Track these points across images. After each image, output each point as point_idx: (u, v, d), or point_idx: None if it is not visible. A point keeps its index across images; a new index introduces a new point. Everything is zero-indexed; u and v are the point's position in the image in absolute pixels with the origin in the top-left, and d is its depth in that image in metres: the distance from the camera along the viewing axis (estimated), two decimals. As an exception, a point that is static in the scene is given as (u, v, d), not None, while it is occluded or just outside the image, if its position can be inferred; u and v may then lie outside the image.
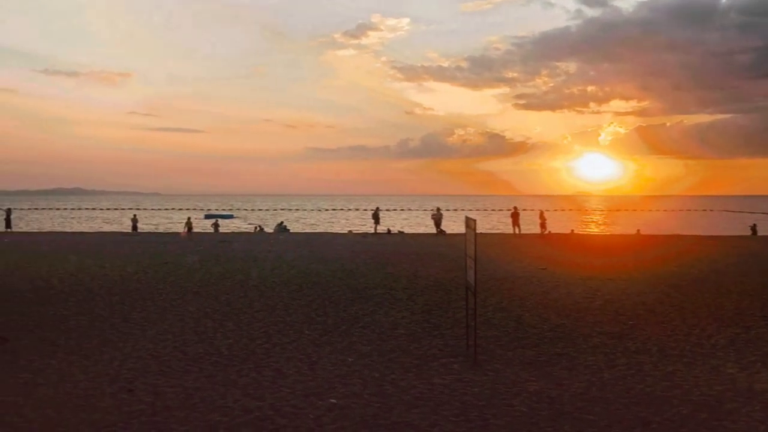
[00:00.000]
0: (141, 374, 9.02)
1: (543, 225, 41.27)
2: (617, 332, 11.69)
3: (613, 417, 7.36)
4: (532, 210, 59.26)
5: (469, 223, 10.02)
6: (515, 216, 41.51)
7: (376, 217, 44.89)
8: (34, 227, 62.50)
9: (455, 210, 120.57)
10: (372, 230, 44.12)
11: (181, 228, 47.09)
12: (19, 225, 54.66)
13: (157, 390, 8.29)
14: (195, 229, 50.41)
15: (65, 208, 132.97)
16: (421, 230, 57.83)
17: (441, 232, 42.58)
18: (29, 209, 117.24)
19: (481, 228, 52.41)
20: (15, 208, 60.07)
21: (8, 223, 47.90)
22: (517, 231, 40.70)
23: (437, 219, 43.83)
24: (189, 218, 49.52)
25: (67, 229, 59.97)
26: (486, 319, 12.75)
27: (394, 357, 9.98)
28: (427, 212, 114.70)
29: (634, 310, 13.84)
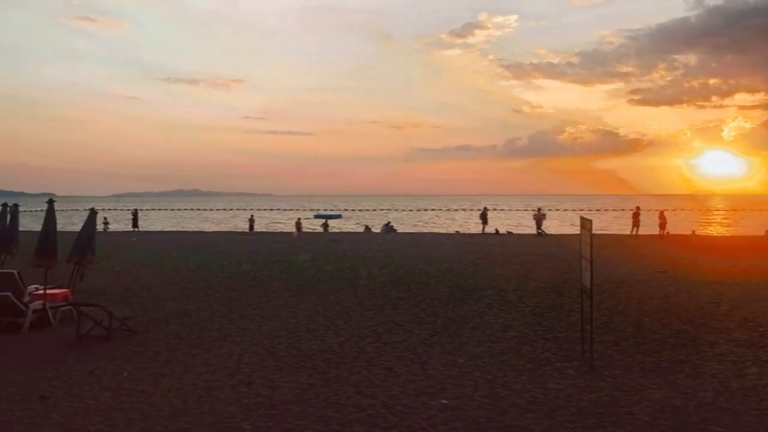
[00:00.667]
0: (258, 368, 9.34)
1: (663, 225, 39.38)
2: (746, 340, 10.94)
3: (743, 429, 6.88)
4: (649, 210, 56.45)
5: (585, 223, 9.69)
6: (636, 216, 39.89)
7: (483, 218, 44.43)
8: (157, 227, 66.34)
9: (566, 210, 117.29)
10: (480, 231, 43.68)
11: (291, 228, 48.57)
12: (144, 225, 58.19)
13: (274, 384, 8.55)
14: (305, 229, 51.86)
15: (185, 209, 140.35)
16: (530, 231, 56.67)
17: (541, 233, 41.64)
18: (153, 210, 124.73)
19: (596, 228, 50.19)
20: (140, 209, 64.10)
21: (135, 222, 51.24)
22: (635, 231, 39.09)
23: (539, 219, 42.86)
24: (299, 219, 50.99)
25: (188, 229, 63.26)
26: (602, 323, 12.28)
27: (506, 359, 9.81)
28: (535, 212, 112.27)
29: (765, 317, 12.90)
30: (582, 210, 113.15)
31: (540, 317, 13.16)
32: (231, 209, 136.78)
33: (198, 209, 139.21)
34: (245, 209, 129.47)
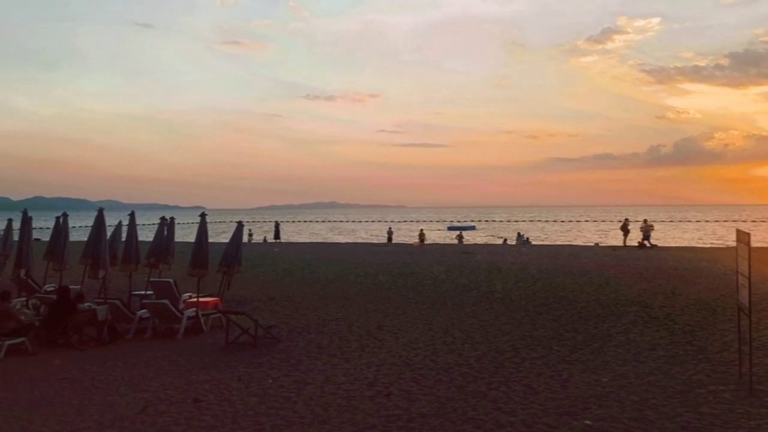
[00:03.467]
0: (396, 380, 9.45)
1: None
2: None
3: None
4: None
5: (741, 237, 9.00)
6: None
7: (625, 229, 42.45)
8: (298, 238, 69.18)
9: (717, 221, 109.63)
10: (621, 243, 41.75)
11: (413, 240, 49.00)
12: (286, 236, 60.84)
13: (411, 397, 8.61)
14: (439, 240, 51.98)
15: (323, 221, 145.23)
16: (678, 243, 53.47)
17: (644, 245, 39.19)
18: (294, 221, 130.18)
19: (756, 242, 46.49)
20: (282, 221, 67.11)
21: (277, 234, 53.72)
22: None
23: (646, 231, 40.32)
24: (422, 230, 51.28)
25: (326, 240, 65.41)
26: (762, 343, 11.31)
27: (654, 380, 9.27)
28: (681, 223, 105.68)
29: None
30: (740, 221, 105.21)
31: (690, 336, 12.34)
32: (366, 221, 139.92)
33: (335, 221, 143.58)
34: (380, 221, 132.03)
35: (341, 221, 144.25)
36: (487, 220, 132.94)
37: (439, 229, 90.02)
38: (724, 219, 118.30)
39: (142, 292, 15.40)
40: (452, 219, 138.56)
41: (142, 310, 13.88)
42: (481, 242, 54.05)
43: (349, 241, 63.05)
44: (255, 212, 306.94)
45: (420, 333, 12.94)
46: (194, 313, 13.54)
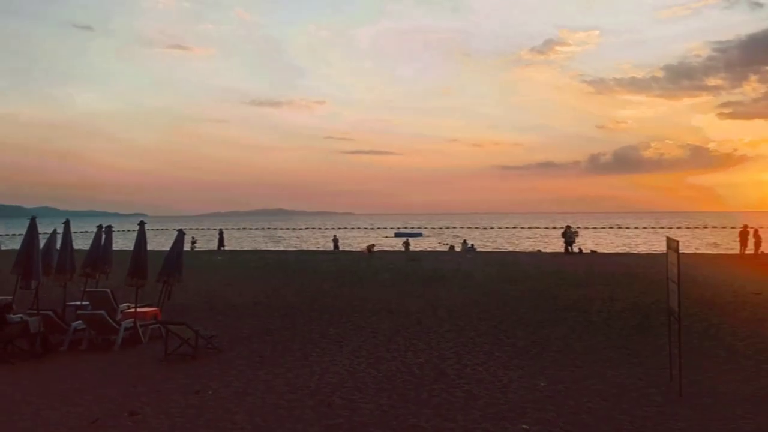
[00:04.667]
0: (338, 389, 9.44)
1: (757, 244, 37.34)
2: None
3: None
4: (733, 228, 53.49)
5: (671, 244, 9.34)
6: (744, 234, 37.98)
7: (566, 236, 43.43)
8: (242, 246, 68.31)
9: (653, 228, 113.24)
10: (562, 250, 42.69)
11: (364, 247, 49.08)
12: (230, 244, 60.05)
13: (354, 405, 8.61)
14: (386, 248, 52.15)
15: (269, 228, 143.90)
16: (616, 250, 54.99)
17: (569, 251, 40.47)
18: (239, 229, 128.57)
19: (687, 247, 48.35)
20: (226, 229, 66.20)
21: (221, 242, 52.92)
22: (744, 251, 37.20)
23: (569, 237, 41.61)
24: (372, 245, 51.38)
25: (271, 248, 64.79)
26: (692, 347, 11.75)
27: (590, 384, 9.52)
28: (620, 230, 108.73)
29: None
30: (670, 228, 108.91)
31: (625, 340, 12.72)
32: (313, 228, 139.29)
33: (281, 228, 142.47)
34: (327, 228, 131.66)
35: (287, 228, 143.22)
36: (434, 227, 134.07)
37: (386, 236, 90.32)
38: (660, 226, 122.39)
39: (78, 303, 14.95)
40: (400, 226, 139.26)
41: (77, 322, 13.47)
42: (427, 249, 54.44)
43: (295, 248, 62.64)
44: (199, 219, 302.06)
45: (364, 341, 12.95)
46: (132, 324, 13.23)
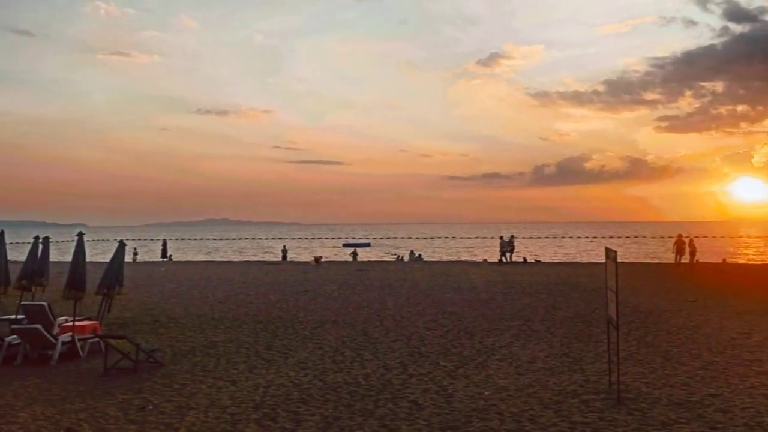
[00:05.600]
0: (283, 401, 9.35)
1: (693, 253, 38.70)
2: (781, 372, 10.67)
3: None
4: (670, 238, 55.11)
5: (609, 254, 9.61)
6: (679, 244, 39.24)
7: (511, 246, 44.14)
8: (187, 257, 67.08)
9: (595, 238, 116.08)
10: (507, 259, 43.37)
11: (311, 258, 48.86)
12: (174, 255, 58.88)
13: (299, 417, 8.55)
14: (334, 258, 52.00)
15: (214, 239, 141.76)
16: (558, 259, 56.16)
17: (503, 261, 41.50)
18: (183, 239, 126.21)
19: (625, 256, 50.06)
20: (170, 239, 64.90)
21: (164, 253, 51.87)
22: (679, 260, 38.45)
23: (504, 247, 42.66)
24: (320, 256, 51.23)
25: (216, 259, 63.88)
26: (630, 354, 12.11)
27: (533, 392, 9.69)
28: (566, 240, 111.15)
29: (801, 348, 12.59)
30: (611, 238, 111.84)
31: (567, 348, 13.00)
32: (260, 238, 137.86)
33: (227, 238, 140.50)
34: (275, 238, 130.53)
35: (233, 238, 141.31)
36: (382, 237, 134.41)
37: (334, 246, 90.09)
38: (602, 235, 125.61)
39: (12, 317, 14.43)
40: (348, 236, 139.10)
41: (12, 336, 12.98)
42: (375, 259, 54.51)
43: (242, 259, 61.89)
44: (141, 230, 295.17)
45: (310, 352, 12.88)
46: (70, 338, 12.83)
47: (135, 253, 51.85)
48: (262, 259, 58.56)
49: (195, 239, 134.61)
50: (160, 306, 20.33)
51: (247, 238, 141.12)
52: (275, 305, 20.26)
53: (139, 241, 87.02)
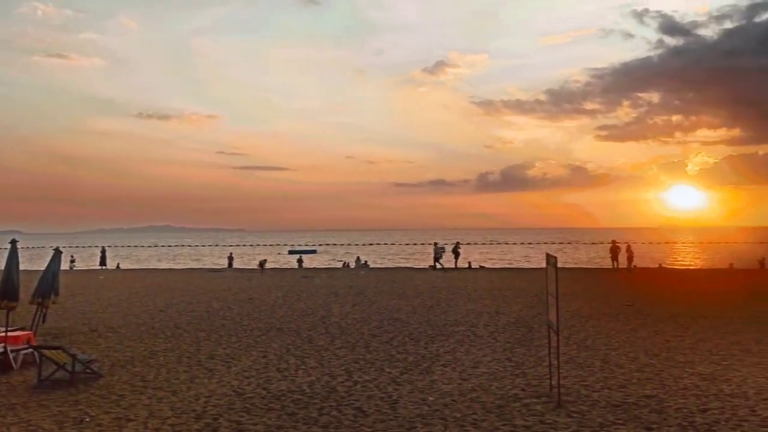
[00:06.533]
0: (225, 411, 9.20)
1: (630, 258, 39.92)
2: (710, 373, 11.08)
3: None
4: (603, 243, 56.86)
5: (550, 259, 9.82)
6: (614, 250, 40.38)
7: (455, 252, 44.67)
8: (127, 264, 65.44)
9: (537, 243, 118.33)
10: (453, 265, 43.84)
11: (255, 265, 48.40)
12: (113, 262, 57.33)
13: (241, 427, 8.43)
14: (279, 265, 51.55)
15: (156, 246, 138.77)
16: (502, 265, 57.03)
17: (436, 266, 42.31)
18: (123, 246, 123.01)
19: (566, 262, 51.26)
20: (110, 246, 63.20)
21: (103, 260, 50.48)
22: (616, 265, 39.57)
23: (437, 253, 43.57)
24: (265, 260, 50.88)
25: (158, 266, 62.51)
26: (570, 357, 12.38)
27: (476, 397, 9.80)
28: (509, 246, 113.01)
29: (729, 350, 13.11)
30: (553, 243, 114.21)
31: (510, 353, 13.21)
32: (204, 245, 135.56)
33: (169, 245, 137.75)
34: (218, 245, 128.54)
35: (176, 245, 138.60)
36: (328, 244, 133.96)
37: (279, 253, 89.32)
38: (543, 241, 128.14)
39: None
40: (294, 243, 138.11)
41: (-61, 348, 12.41)
42: (321, 266, 54.30)
43: (184, 267, 60.74)
44: (79, 236, 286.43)
45: (254, 361, 12.72)
46: (2, 349, 12.33)
47: (72, 261, 50.34)
48: (205, 267, 57.62)
49: (136, 246, 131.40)
50: (98, 315, 19.77)
51: (190, 245, 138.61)
52: (218, 313, 19.95)
53: (77, 249, 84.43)
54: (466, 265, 45.46)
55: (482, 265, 50.52)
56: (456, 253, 44.62)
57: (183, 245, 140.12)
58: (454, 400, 9.60)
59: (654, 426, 8.18)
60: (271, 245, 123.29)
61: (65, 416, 9.04)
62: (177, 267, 59.56)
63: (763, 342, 13.94)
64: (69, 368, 11.10)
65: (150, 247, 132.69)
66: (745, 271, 38.83)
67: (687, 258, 76.14)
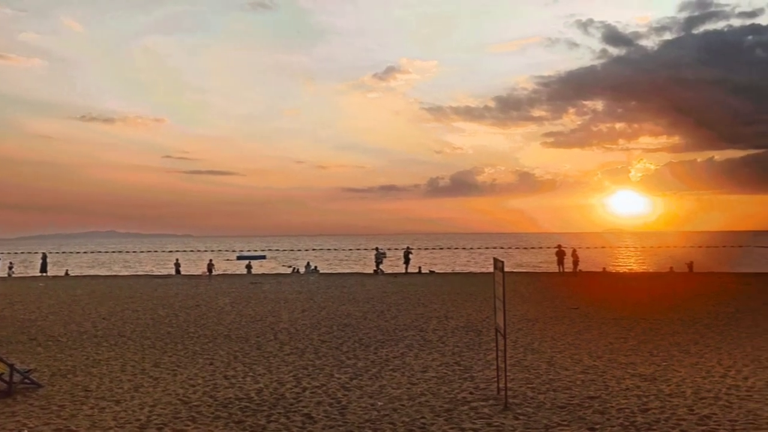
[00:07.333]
0: (170, 420, 9.02)
1: (575, 263, 40.79)
2: (650, 374, 11.42)
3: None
4: (550, 247, 58.07)
5: (497, 264, 9.96)
6: (560, 254, 41.16)
7: (406, 257, 44.90)
8: (69, 271, 63.52)
9: (486, 248, 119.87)
10: (403, 270, 44.04)
11: (203, 271, 47.70)
12: (54, 269, 55.62)
13: (187, 436, 8.28)
14: (228, 271, 50.85)
15: (99, 252, 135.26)
16: (451, 269, 57.53)
17: (377, 271, 42.89)
18: (65, 252, 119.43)
19: (514, 266, 52.10)
20: (51, 252, 61.29)
21: (44, 267, 48.91)
22: (561, 269, 40.34)
23: (378, 258, 44.13)
24: (211, 260, 50.18)
25: (101, 273, 60.91)
26: (517, 360, 12.58)
27: (425, 401, 9.86)
28: (459, 250, 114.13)
29: (668, 351, 13.54)
30: (501, 248, 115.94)
31: (459, 357, 13.34)
32: (150, 251, 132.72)
33: (114, 251, 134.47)
34: (165, 251, 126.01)
35: (120, 251, 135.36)
36: (278, 249, 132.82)
37: (228, 259, 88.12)
38: (493, 246, 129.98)
39: None
40: (242, 248, 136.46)
41: None
42: (270, 272, 53.79)
43: (130, 273, 59.33)
44: (18, 242, 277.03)
45: (200, 369, 12.51)
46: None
47: (11, 267, 48.59)
48: (151, 273, 56.41)
49: (78, 252, 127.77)
50: (38, 324, 19.14)
51: (135, 251, 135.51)
52: (164, 320, 19.56)
53: (16, 255, 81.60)
54: (417, 270, 45.71)
55: (432, 269, 50.88)
56: (407, 258, 44.84)
57: (128, 251, 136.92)
58: (403, 405, 9.63)
59: (597, 426, 8.37)
60: (219, 251, 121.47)
61: (2, 428, 8.72)
62: (121, 274, 58.15)
63: (700, 343, 14.44)
64: (6, 378, 10.71)
65: (93, 253, 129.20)
66: (685, 275, 40.15)
67: (629, 262, 78.23)
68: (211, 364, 12.95)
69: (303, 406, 9.65)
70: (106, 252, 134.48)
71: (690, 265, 44.06)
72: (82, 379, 11.70)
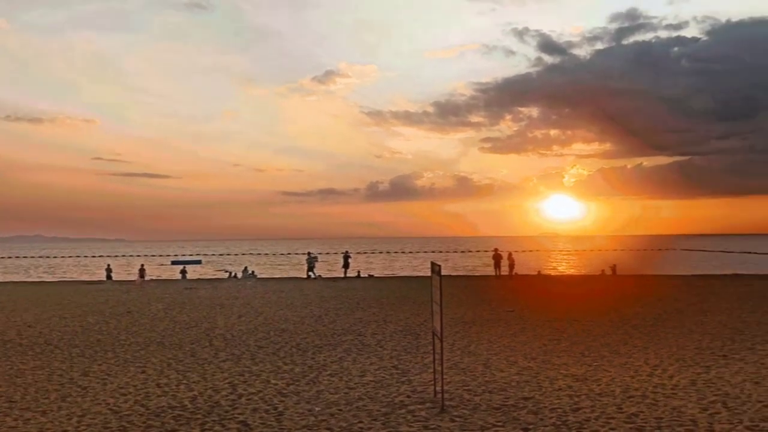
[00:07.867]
0: (100, 430, 8.73)
1: (512, 266, 41.57)
2: (582, 374, 11.73)
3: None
4: (487, 251, 59.14)
5: (434, 268, 10.05)
6: (497, 258, 41.83)
7: (345, 261, 44.83)
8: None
9: (424, 252, 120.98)
10: (342, 274, 43.96)
11: (135, 276, 46.49)
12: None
13: (117, 447, 8.03)
14: (162, 276, 49.65)
15: (25, 257, 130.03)
16: (391, 273, 57.78)
17: (310, 276, 43.19)
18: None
19: (450, 270, 52.72)
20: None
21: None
22: (498, 272, 41.00)
23: (310, 263, 44.44)
24: (142, 265, 49.00)
25: (26, 279, 58.54)
26: (454, 363, 12.71)
27: (362, 405, 9.84)
28: (398, 254, 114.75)
29: (599, 351, 13.93)
30: (437, 252, 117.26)
31: (397, 360, 13.38)
32: (79, 256, 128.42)
33: (40, 256, 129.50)
34: (95, 256, 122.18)
35: (47, 257, 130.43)
36: (214, 254, 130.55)
37: (162, 264, 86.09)
38: (432, 250, 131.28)
39: None
40: (177, 253, 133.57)
41: None
42: (206, 277, 52.79)
43: (57, 279, 57.21)
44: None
45: (131, 377, 12.16)
46: None
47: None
48: (80, 279, 54.54)
49: (2, 257, 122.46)
50: (-42, 333, 18.22)
51: (63, 256, 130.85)
52: (94, 328, 18.93)
53: (-66, 261, 77.60)
54: (356, 274, 45.71)
55: (371, 273, 50.95)
56: (346, 262, 44.79)
57: (55, 256, 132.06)
58: (340, 410, 9.59)
59: (531, 426, 8.54)
60: (153, 256, 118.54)
61: None
62: (48, 280, 56.03)
63: (629, 343, 14.92)
64: None
65: (18, 258, 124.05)
66: (616, 277, 41.47)
67: (563, 265, 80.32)
68: (143, 372, 12.60)
69: (239, 414, 9.50)
70: (32, 257, 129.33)
71: (613, 268, 45.40)
72: (6, 390, 11.19)
